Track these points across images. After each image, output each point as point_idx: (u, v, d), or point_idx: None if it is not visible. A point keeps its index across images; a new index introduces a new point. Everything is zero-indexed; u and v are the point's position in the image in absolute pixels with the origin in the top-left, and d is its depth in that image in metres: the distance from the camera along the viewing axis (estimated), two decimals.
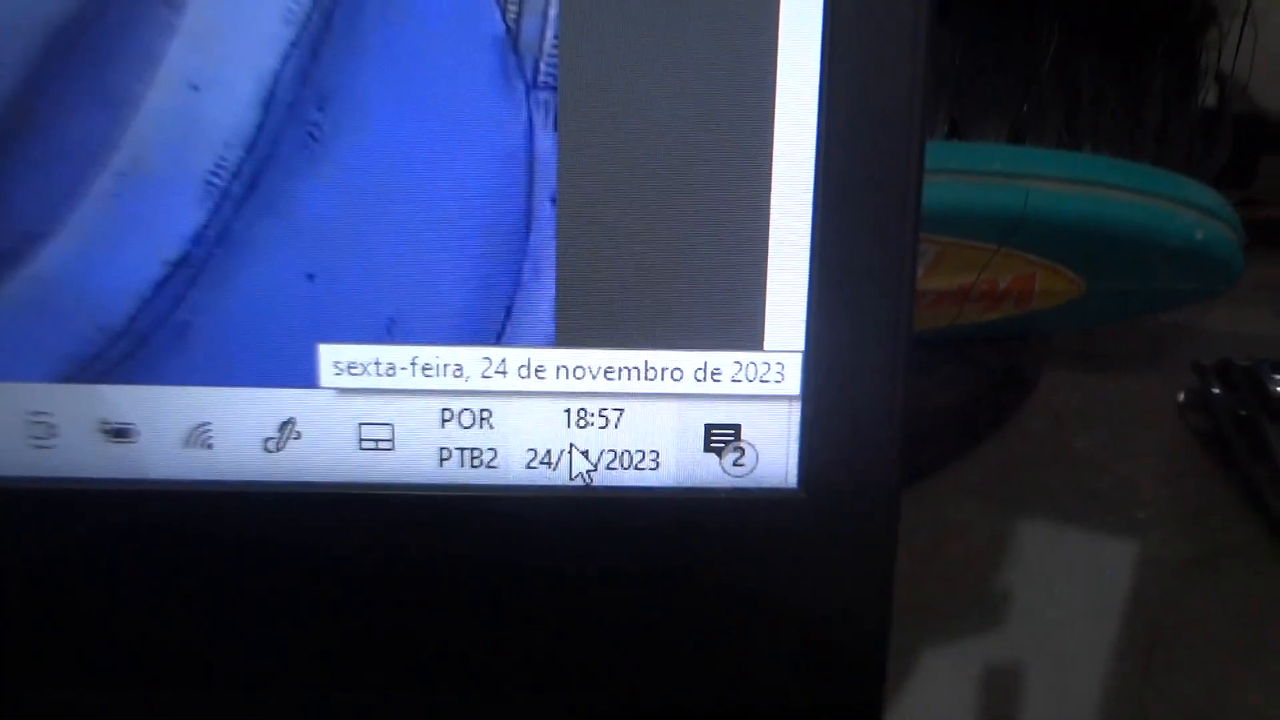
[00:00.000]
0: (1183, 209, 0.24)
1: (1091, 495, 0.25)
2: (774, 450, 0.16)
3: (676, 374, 0.15)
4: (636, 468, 0.16)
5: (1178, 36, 0.26)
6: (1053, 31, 0.24)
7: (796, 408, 0.16)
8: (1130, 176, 0.23)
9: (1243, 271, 0.26)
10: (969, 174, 0.23)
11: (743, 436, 0.16)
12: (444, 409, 0.15)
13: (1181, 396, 0.28)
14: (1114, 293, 0.26)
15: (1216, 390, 0.27)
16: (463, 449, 0.16)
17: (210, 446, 0.15)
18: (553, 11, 0.14)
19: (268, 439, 0.15)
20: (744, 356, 0.15)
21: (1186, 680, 0.19)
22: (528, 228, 0.15)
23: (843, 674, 0.16)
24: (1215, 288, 0.26)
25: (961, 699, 0.19)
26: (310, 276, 0.15)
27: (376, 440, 0.16)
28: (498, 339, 0.15)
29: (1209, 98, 0.27)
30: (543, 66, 0.15)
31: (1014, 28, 0.24)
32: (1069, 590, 0.22)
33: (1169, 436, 0.27)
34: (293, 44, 0.14)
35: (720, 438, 0.16)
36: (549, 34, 0.14)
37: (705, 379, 0.15)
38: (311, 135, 0.15)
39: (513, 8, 0.14)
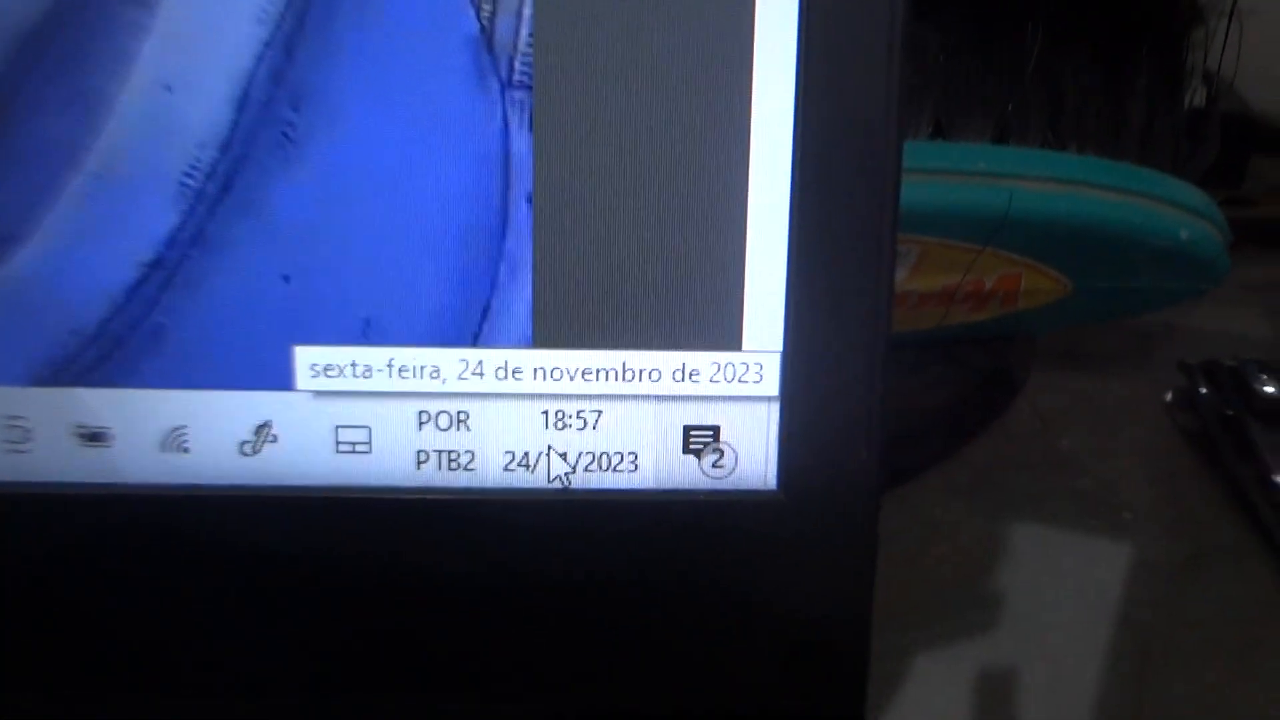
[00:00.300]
0: (1167, 208, 0.24)
1: (1078, 496, 0.25)
2: (753, 451, 0.16)
3: (654, 375, 0.15)
4: (615, 470, 0.16)
5: (1163, 36, 0.26)
6: (1038, 31, 0.24)
7: (776, 408, 0.15)
8: (1115, 176, 0.23)
9: (1228, 271, 0.25)
10: (953, 174, 0.23)
11: (722, 438, 0.16)
12: (421, 411, 0.15)
13: (1168, 396, 0.28)
14: (1100, 292, 0.26)
15: (1203, 390, 0.27)
16: (440, 451, 0.15)
17: (186, 450, 0.15)
18: (527, 11, 0.14)
19: (244, 442, 0.15)
20: (722, 357, 0.15)
21: (1179, 681, 0.19)
22: (504, 228, 0.15)
23: (825, 677, 0.16)
24: (1201, 287, 0.26)
25: (949, 702, 0.19)
26: (286, 278, 0.15)
27: (353, 443, 0.15)
28: (475, 340, 0.15)
29: (1197, 97, 0.27)
30: (517, 66, 0.14)
31: (999, 27, 0.24)
32: (1056, 591, 0.21)
33: (1156, 436, 0.27)
34: (266, 44, 0.14)
35: (699, 439, 0.16)
36: (523, 33, 0.14)
37: (684, 380, 0.15)
38: (286, 135, 0.14)
39: (487, 7, 0.14)
